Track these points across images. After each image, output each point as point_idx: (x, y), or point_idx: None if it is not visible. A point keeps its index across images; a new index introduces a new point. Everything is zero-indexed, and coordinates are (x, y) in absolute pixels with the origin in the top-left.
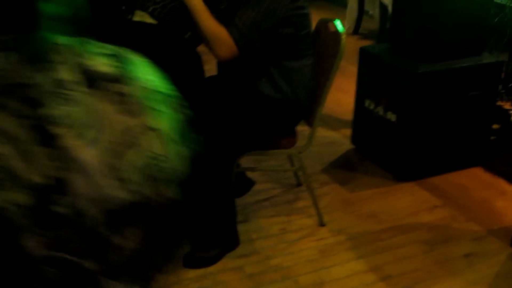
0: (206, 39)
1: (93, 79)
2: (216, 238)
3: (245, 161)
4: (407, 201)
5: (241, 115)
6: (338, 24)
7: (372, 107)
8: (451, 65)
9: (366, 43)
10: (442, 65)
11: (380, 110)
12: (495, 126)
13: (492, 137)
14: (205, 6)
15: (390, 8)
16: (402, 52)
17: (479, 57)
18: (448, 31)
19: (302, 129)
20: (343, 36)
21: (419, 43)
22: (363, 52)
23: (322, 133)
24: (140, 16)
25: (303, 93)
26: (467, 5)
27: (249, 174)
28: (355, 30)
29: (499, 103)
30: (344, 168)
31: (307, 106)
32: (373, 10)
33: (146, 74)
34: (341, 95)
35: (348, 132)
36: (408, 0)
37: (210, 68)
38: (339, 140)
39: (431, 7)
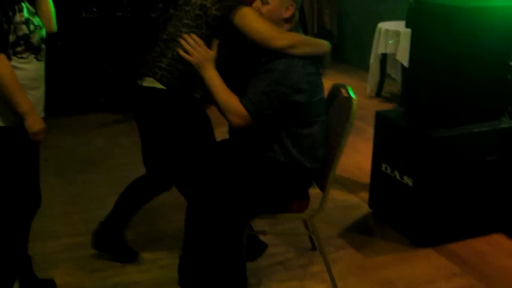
0: (220, 107)
1: None
2: None
3: (259, 224)
4: (424, 268)
5: (252, 179)
6: (351, 90)
7: (388, 171)
8: (468, 130)
9: (388, 106)
10: (459, 130)
11: (396, 174)
12: None
13: None
14: (219, 77)
15: None
16: (418, 116)
17: (497, 122)
18: (465, 96)
19: (317, 192)
20: (355, 102)
21: (435, 107)
22: (379, 116)
23: (340, 196)
24: (150, 82)
25: (314, 159)
26: (484, 70)
27: (263, 237)
28: (378, 93)
29: None
30: (360, 232)
31: (319, 170)
32: (395, 73)
33: None
34: (360, 158)
35: (366, 195)
36: (424, 64)
37: (224, 131)
38: (357, 204)
39: (447, 71)
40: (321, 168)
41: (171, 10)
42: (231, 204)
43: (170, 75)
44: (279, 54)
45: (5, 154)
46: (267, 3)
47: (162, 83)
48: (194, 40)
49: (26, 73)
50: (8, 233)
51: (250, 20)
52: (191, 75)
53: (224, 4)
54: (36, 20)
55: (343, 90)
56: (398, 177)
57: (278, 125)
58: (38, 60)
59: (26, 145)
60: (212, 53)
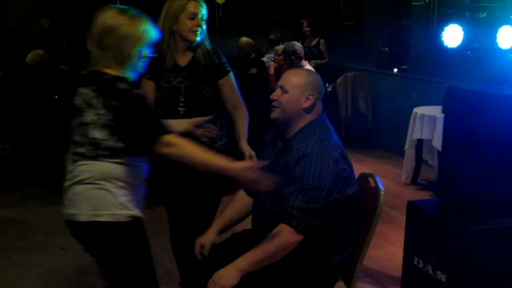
0: (275, 255)
1: None
2: None
3: None
4: None
5: (275, 274)
6: (378, 180)
7: (421, 265)
8: (504, 224)
9: (424, 194)
10: (495, 223)
11: (429, 269)
12: None
13: None
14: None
15: None
16: (452, 208)
17: None
18: (500, 188)
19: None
20: (383, 193)
21: (469, 198)
22: (411, 206)
23: None
24: None
25: (343, 254)
26: None
27: None
28: (413, 180)
29: None
30: None
31: (347, 266)
32: (432, 159)
33: None
34: (393, 249)
35: None
36: (457, 152)
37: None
38: None
39: (481, 161)
40: (346, 261)
41: None
42: None
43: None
44: (306, 145)
45: (121, 250)
46: (286, 92)
47: None
48: None
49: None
50: None
51: None
52: None
53: None
54: None
55: (370, 180)
56: (431, 272)
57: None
58: None
59: (137, 239)
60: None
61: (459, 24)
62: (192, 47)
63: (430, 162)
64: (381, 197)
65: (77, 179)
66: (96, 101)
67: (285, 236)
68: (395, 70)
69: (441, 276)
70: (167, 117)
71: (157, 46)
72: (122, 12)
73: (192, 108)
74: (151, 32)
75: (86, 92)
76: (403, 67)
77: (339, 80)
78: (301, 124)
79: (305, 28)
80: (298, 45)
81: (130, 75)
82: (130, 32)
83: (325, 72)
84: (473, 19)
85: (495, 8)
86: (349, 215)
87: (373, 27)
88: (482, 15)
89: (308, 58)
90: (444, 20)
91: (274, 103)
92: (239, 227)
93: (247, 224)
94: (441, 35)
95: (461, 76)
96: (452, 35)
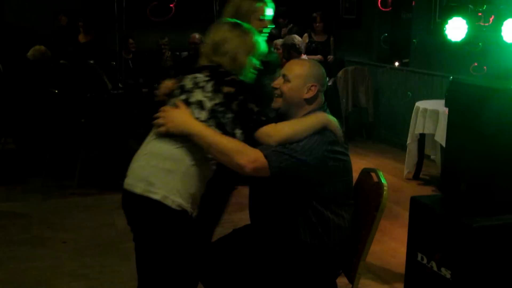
0: (225, 157)
1: None
2: None
3: None
4: None
5: (275, 268)
6: (381, 175)
7: (425, 261)
8: (509, 219)
9: (426, 189)
10: (501, 219)
11: (433, 265)
12: None
13: None
14: (208, 127)
15: None
16: (457, 203)
17: None
18: (506, 182)
19: (347, 282)
20: (386, 189)
21: (474, 194)
22: (414, 202)
23: (373, 287)
24: None
25: (340, 245)
26: None
27: None
28: (416, 175)
29: None
30: None
31: (346, 259)
32: (434, 154)
33: None
34: (396, 245)
35: (401, 287)
36: (461, 147)
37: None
38: None
39: (486, 155)
40: (350, 258)
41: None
42: None
43: None
44: None
45: (159, 235)
46: (289, 81)
47: None
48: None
49: None
50: None
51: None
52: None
53: None
54: None
55: (373, 175)
56: (435, 268)
57: (303, 204)
58: None
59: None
60: (180, 111)
61: (462, 17)
62: None
63: (432, 157)
64: (385, 192)
65: (149, 152)
66: (206, 84)
67: (247, 151)
68: (396, 63)
69: (446, 273)
70: None
71: None
72: (237, 25)
73: None
74: (261, 44)
75: (199, 76)
76: (405, 60)
77: (339, 74)
78: (301, 114)
79: (318, 24)
80: (297, 39)
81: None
82: (244, 42)
83: (329, 69)
84: (476, 12)
85: (499, 1)
86: (342, 202)
87: (373, 21)
88: (486, 7)
89: (316, 52)
90: (447, 13)
91: (275, 91)
92: (240, 222)
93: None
94: (444, 28)
95: (464, 69)
96: (456, 28)
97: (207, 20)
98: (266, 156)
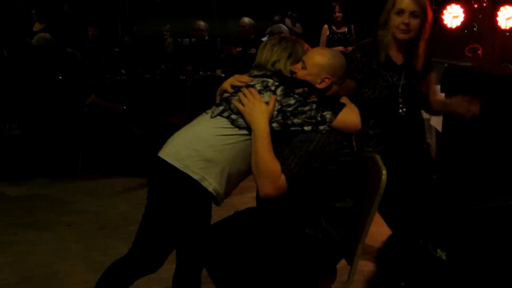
0: (255, 167)
1: None
2: None
3: None
4: None
5: (278, 253)
6: (380, 161)
7: (421, 243)
8: (506, 202)
9: None
10: (496, 202)
11: (429, 247)
12: None
13: None
14: (268, 133)
15: None
16: (451, 186)
17: None
18: (498, 167)
19: (346, 263)
20: (384, 173)
21: (468, 178)
22: None
23: (370, 267)
24: None
25: (344, 233)
26: None
27: None
28: None
29: None
30: None
31: (348, 245)
32: (430, 138)
33: None
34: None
35: None
36: (457, 131)
37: (252, 196)
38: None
39: (482, 140)
40: (350, 242)
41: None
42: (254, 279)
43: None
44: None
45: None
46: (305, 68)
47: None
48: (251, 92)
49: None
50: None
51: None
52: None
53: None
54: None
55: (372, 161)
56: (431, 249)
57: (311, 196)
58: None
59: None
60: (265, 107)
61: (459, 3)
62: (408, 44)
63: (428, 141)
64: (383, 177)
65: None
66: (276, 88)
67: (273, 176)
68: None
69: (442, 254)
70: (385, 118)
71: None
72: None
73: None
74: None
75: (268, 80)
76: None
77: None
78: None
79: (337, 14)
80: (284, 28)
81: None
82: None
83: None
84: None
85: None
86: (349, 193)
87: (372, 7)
88: None
89: (338, 43)
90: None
91: (293, 75)
92: (241, 206)
93: (250, 203)
94: (441, 15)
95: (459, 55)
96: (452, 15)
97: (208, 8)
98: (287, 179)
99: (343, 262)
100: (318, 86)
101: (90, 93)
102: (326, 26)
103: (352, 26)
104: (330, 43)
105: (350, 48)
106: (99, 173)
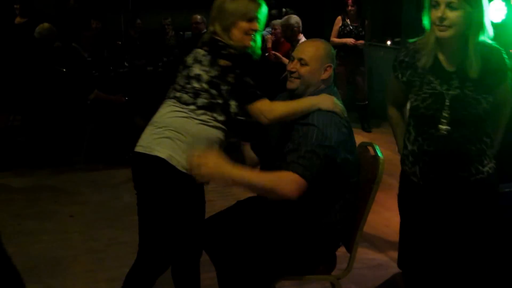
0: (267, 193)
1: None
2: None
3: (285, 285)
4: None
5: (280, 238)
6: (378, 149)
7: None
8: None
9: None
10: None
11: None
12: None
13: None
14: (241, 168)
15: None
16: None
17: None
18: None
19: (345, 251)
20: (382, 161)
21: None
22: (404, 175)
23: (369, 255)
24: None
25: (344, 220)
26: None
27: None
28: None
29: None
30: None
31: (347, 231)
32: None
33: None
34: (390, 215)
35: (395, 254)
36: None
37: None
38: (386, 263)
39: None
40: (348, 228)
41: None
42: (256, 265)
43: None
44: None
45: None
46: (306, 64)
47: None
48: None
49: None
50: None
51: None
52: None
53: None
54: None
55: (370, 149)
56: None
57: (324, 186)
58: None
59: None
60: (212, 155)
61: None
62: (462, 47)
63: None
64: (381, 165)
65: (157, 123)
66: (204, 58)
67: (288, 179)
68: (389, 42)
69: None
70: (424, 134)
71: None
72: None
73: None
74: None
75: (199, 51)
76: (396, 39)
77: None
78: (311, 90)
79: (350, 7)
80: (295, 19)
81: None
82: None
83: (360, 53)
84: None
85: None
86: (352, 180)
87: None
88: None
89: (348, 36)
90: None
91: (293, 75)
92: (243, 195)
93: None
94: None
95: None
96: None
97: (210, 1)
98: (301, 175)
99: (342, 249)
100: (322, 76)
101: (93, 89)
102: (339, 17)
103: (366, 21)
104: (341, 35)
105: (360, 42)
106: (102, 163)
